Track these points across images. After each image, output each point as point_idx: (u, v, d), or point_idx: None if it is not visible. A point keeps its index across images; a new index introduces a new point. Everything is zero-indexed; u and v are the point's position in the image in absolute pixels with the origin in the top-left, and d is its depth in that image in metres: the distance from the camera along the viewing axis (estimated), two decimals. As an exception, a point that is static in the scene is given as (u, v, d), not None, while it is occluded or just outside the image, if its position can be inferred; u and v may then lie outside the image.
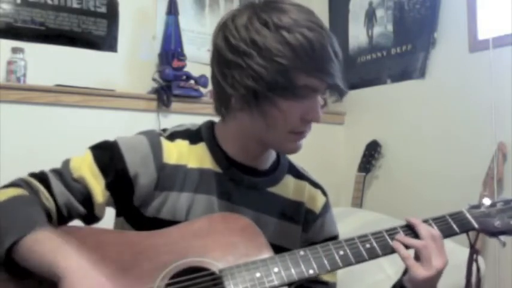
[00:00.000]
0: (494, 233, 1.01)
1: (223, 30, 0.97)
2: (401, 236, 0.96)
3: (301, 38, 0.90)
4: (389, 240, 0.96)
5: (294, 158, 1.16)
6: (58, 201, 0.93)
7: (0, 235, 0.81)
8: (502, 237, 1.01)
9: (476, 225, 1.01)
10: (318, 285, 1.09)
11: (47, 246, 0.80)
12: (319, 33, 0.92)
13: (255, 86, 0.91)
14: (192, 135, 1.05)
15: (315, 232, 1.12)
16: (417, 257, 0.94)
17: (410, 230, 0.98)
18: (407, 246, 0.95)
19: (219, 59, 0.97)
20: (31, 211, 0.86)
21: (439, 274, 0.93)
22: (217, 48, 0.98)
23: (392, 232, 0.97)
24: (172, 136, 1.04)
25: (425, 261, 0.92)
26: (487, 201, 1.05)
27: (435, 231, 0.97)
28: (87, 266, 0.78)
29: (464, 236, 1.03)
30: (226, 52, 0.94)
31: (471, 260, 1.06)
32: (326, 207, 1.15)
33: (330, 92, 0.99)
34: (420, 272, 0.92)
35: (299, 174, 1.13)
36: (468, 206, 1.05)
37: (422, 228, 0.96)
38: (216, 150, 1.04)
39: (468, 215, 1.02)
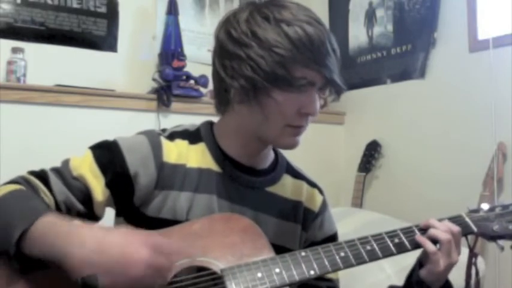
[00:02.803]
0: (493, 237, 1.02)
1: (226, 25, 1.00)
2: (433, 229, 0.98)
3: (300, 31, 0.92)
4: (389, 243, 0.96)
5: (294, 158, 1.16)
6: (57, 198, 0.93)
7: (5, 229, 0.81)
8: (501, 242, 1.02)
9: (475, 229, 1.02)
10: (323, 282, 1.10)
11: (54, 234, 0.79)
12: (318, 29, 0.94)
13: (254, 76, 0.93)
14: (191, 135, 1.06)
15: (315, 231, 1.13)
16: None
17: (420, 230, 1.00)
18: (432, 240, 0.97)
19: (220, 52, 0.99)
20: (33, 201, 0.86)
21: (452, 266, 0.97)
22: (219, 42, 1.00)
23: (392, 234, 0.98)
24: (172, 136, 1.04)
25: (446, 254, 0.96)
26: (485, 206, 1.06)
27: (456, 227, 0.99)
28: (94, 254, 0.77)
29: (463, 237, 1.03)
30: (228, 44, 0.97)
31: (470, 263, 1.07)
32: (324, 205, 1.16)
33: (325, 90, 1.00)
34: (441, 264, 0.95)
35: (296, 174, 1.14)
36: (467, 210, 1.06)
37: (444, 225, 0.99)
38: (216, 150, 1.04)
39: (467, 219, 1.03)
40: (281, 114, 0.96)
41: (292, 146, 1.01)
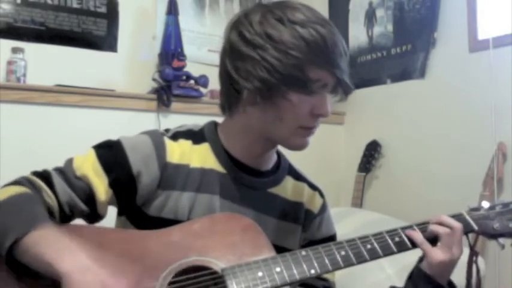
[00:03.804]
0: (494, 235, 1.02)
1: (237, 26, 0.99)
2: (434, 223, 0.99)
3: (314, 33, 0.93)
4: (390, 241, 0.96)
5: (294, 158, 1.16)
6: (60, 199, 0.93)
7: (1, 233, 0.81)
8: (501, 240, 1.02)
9: (475, 227, 1.02)
10: (320, 282, 1.10)
11: (48, 244, 0.79)
12: (331, 30, 0.95)
13: (269, 78, 0.93)
14: (195, 136, 1.06)
15: (313, 230, 1.14)
16: (434, 243, 0.98)
17: (420, 228, 1.00)
18: (431, 235, 0.98)
19: (232, 53, 0.99)
20: (33, 209, 0.86)
21: (454, 261, 0.97)
22: (230, 43, 0.99)
23: (392, 233, 0.98)
24: (175, 136, 1.04)
25: (446, 247, 0.96)
26: (485, 204, 1.06)
27: (458, 223, 0.99)
28: (87, 263, 0.78)
29: (464, 236, 1.03)
30: (241, 46, 0.96)
31: (471, 262, 1.06)
32: (323, 208, 1.17)
33: (335, 90, 1.00)
34: (438, 255, 0.95)
35: (298, 176, 1.15)
36: (468, 208, 1.05)
37: (448, 218, 0.99)
38: (220, 151, 1.05)
39: (468, 217, 1.03)
40: (294, 115, 0.96)
41: (302, 146, 1.02)
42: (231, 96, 1.02)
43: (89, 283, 0.76)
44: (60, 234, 0.82)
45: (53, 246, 0.79)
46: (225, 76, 1.01)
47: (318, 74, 0.94)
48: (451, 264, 0.97)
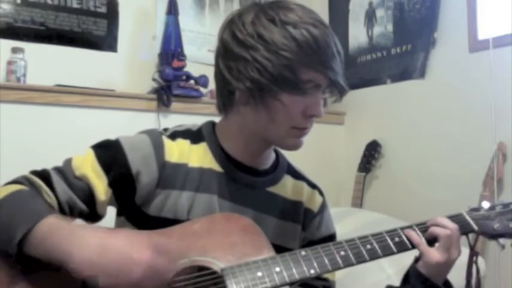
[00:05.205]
0: (494, 236, 1.02)
1: (230, 26, 0.99)
2: (431, 225, 1.00)
3: (306, 33, 0.93)
4: (389, 242, 0.96)
5: (294, 158, 1.16)
6: (60, 198, 0.93)
7: (8, 230, 0.81)
8: (501, 240, 1.02)
9: (476, 228, 1.02)
10: (318, 281, 1.10)
11: (57, 236, 0.80)
12: (324, 31, 0.95)
13: (260, 79, 0.93)
14: (193, 135, 1.06)
15: (313, 230, 1.14)
16: (431, 244, 0.98)
17: (420, 228, 1.00)
18: (430, 236, 0.98)
19: (225, 53, 0.99)
20: (35, 203, 0.86)
21: (451, 262, 0.97)
22: (223, 43, 1.00)
23: (392, 234, 0.98)
24: (174, 135, 1.04)
25: (444, 248, 0.96)
26: (486, 204, 1.06)
27: (454, 224, 0.99)
28: (97, 249, 0.78)
29: (463, 236, 1.03)
30: (233, 46, 0.96)
31: (471, 262, 1.07)
32: (323, 206, 1.17)
33: (331, 91, 1.00)
34: (435, 256, 0.96)
35: (297, 175, 1.15)
36: (468, 209, 1.06)
37: (447, 220, 1.00)
38: (217, 150, 1.05)
39: (468, 217, 1.03)
40: (287, 116, 0.96)
41: (296, 147, 1.02)
42: (224, 96, 1.02)
43: (99, 266, 0.76)
44: (67, 223, 0.83)
45: (62, 237, 0.79)
46: (219, 76, 1.02)
47: (310, 75, 0.94)
48: (447, 265, 0.97)
